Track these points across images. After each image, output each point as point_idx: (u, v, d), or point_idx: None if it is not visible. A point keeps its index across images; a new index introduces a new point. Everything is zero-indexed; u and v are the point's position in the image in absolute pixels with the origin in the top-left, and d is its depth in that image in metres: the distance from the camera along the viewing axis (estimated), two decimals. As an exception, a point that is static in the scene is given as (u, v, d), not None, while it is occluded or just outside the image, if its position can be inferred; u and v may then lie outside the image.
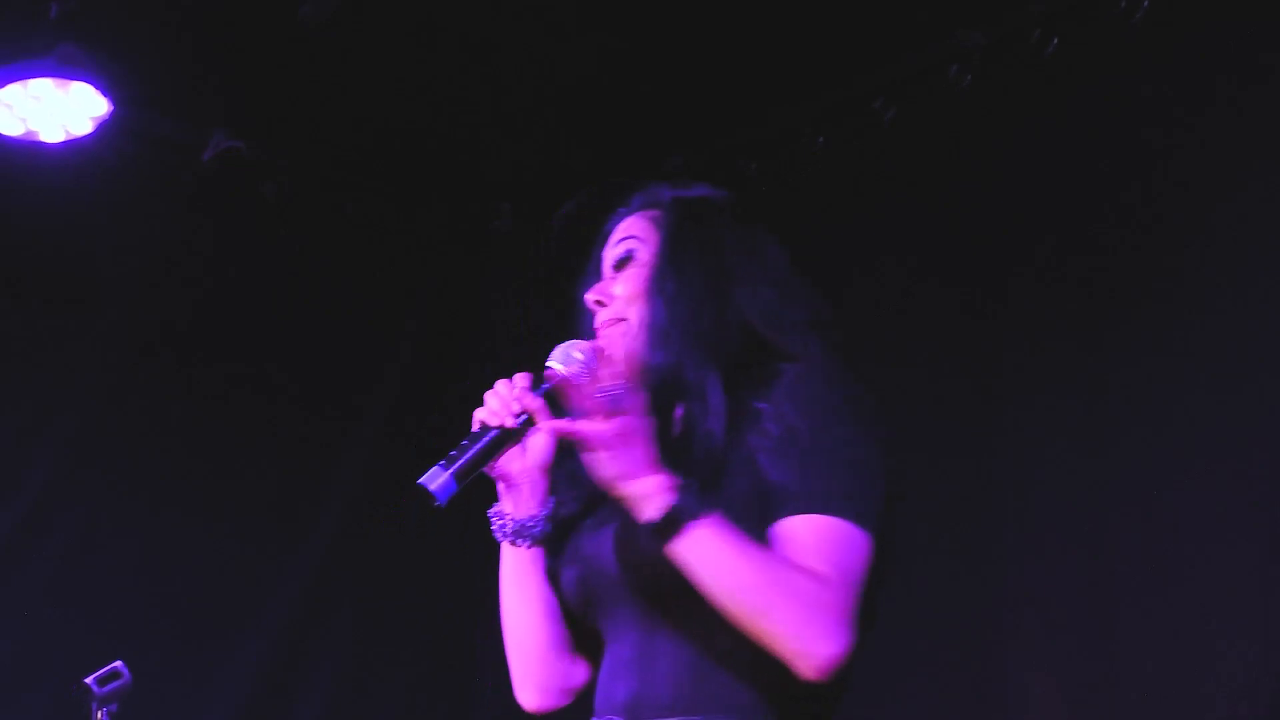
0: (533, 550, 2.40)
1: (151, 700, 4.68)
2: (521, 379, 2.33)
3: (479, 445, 2.29)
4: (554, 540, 2.40)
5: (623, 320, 2.40)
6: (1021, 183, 4.46)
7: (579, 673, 2.44)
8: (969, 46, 4.49)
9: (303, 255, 5.47)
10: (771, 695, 2.18)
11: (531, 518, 2.39)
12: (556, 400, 2.31)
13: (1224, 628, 3.93)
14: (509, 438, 2.31)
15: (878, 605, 2.22)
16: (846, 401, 2.25)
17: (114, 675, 3.58)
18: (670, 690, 2.21)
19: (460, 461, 2.27)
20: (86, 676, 3.59)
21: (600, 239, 2.53)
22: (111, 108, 4.59)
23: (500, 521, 2.40)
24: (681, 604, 2.17)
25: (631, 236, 2.45)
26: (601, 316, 2.43)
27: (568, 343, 2.37)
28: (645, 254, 2.42)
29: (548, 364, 2.34)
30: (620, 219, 2.52)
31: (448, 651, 5.58)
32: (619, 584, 2.27)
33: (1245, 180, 4.05)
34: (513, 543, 2.40)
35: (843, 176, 4.85)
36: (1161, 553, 4.09)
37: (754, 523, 2.17)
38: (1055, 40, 4.35)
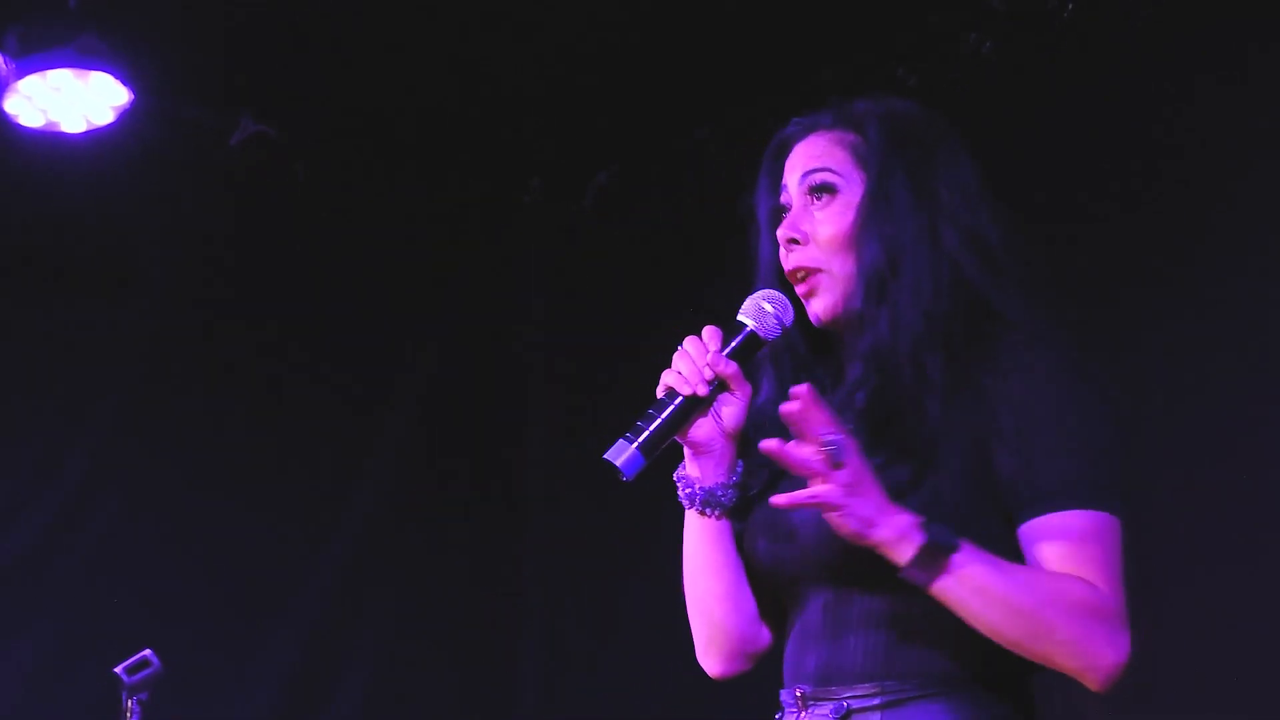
0: (720, 518, 2.27)
1: (191, 684, 4.75)
2: (711, 336, 2.20)
3: (666, 415, 2.17)
4: (742, 507, 2.27)
5: (822, 270, 2.22)
6: (1044, 148, 4.43)
7: (762, 639, 2.32)
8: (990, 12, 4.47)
9: (334, 237, 5.47)
10: (965, 665, 2.09)
11: (720, 485, 2.24)
12: (747, 358, 2.20)
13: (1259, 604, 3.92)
14: (698, 405, 2.19)
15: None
16: (1074, 374, 2.12)
17: (144, 664, 3.58)
18: (861, 659, 2.11)
19: (647, 433, 2.16)
20: (116, 665, 3.60)
21: (774, 149, 2.31)
22: (133, 97, 4.59)
23: (689, 489, 2.25)
24: (872, 574, 2.06)
25: (827, 167, 2.23)
26: (796, 258, 2.22)
27: (758, 293, 2.23)
28: (850, 191, 2.22)
29: (739, 318, 2.22)
30: (806, 130, 2.29)
31: (489, 633, 5.58)
32: (810, 555, 2.16)
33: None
34: (701, 512, 2.25)
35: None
36: (1202, 514, 4.07)
37: (981, 512, 2.08)
38: (1070, 5, 4.32)
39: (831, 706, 2.12)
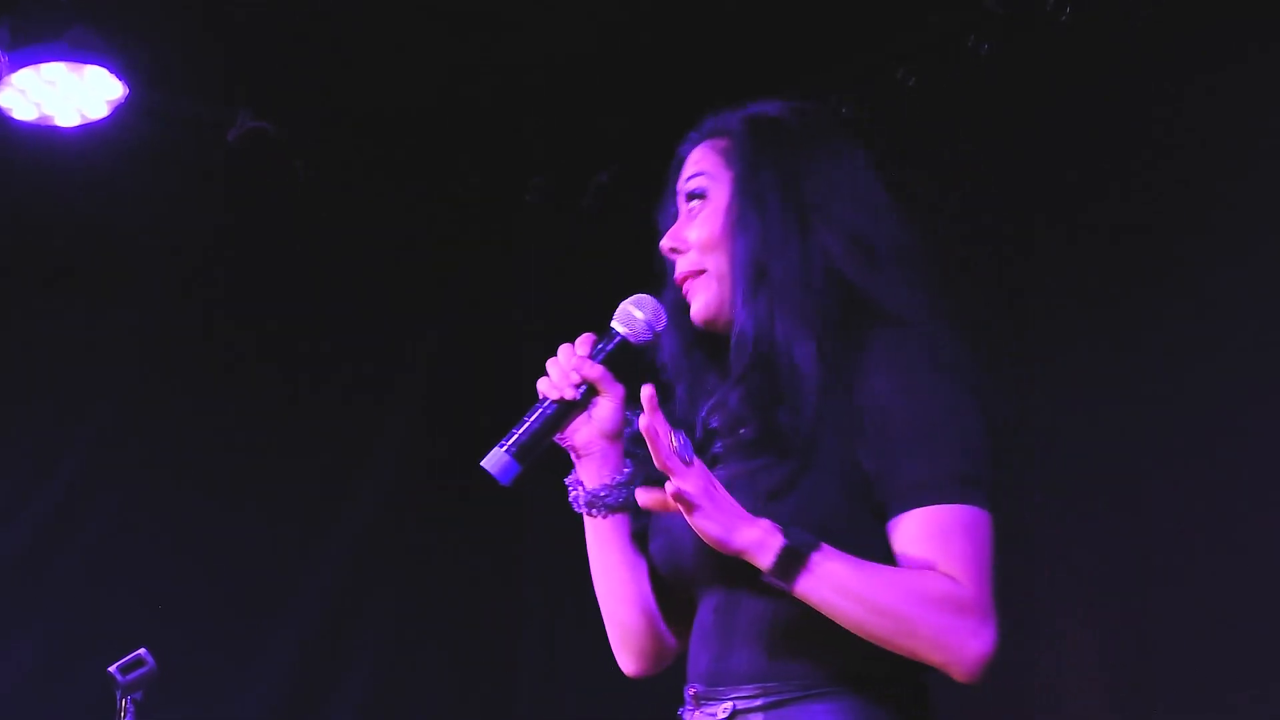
0: (612, 519, 2.31)
1: (190, 684, 4.74)
2: (584, 343, 2.26)
3: (537, 420, 2.23)
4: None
5: (701, 272, 2.25)
6: (1046, 143, 4.44)
7: (670, 640, 2.36)
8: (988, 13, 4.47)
9: (333, 235, 5.45)
10: (850, 664, 2.10)
11: (604, 487, 2.29)
12: (618, 364, 2.24)
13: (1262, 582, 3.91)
14: (571, 409, 2.24)
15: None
16: (944, 368, 2.11)
17: (138, 663, 3.56)
18: (746, 660, 2.14)
19: (517, 438, 2.22)
20: (111, 665, 3.58)
21: (674, 166, 2.36)
22: (127, 91, 4.57)
23: (574, 492, 2.31)
24: (758, 576, 2.07)
25: (701, 173, 2.28)
26: (680, 266, 2.27)
27: (630, 299, 2.28)
28: (718, 193, 2.26)
29: (611, 324, 2.26)
30: (693, 144, 2.34)
31: (489, 634, 5.58)
32: (699, 557, 2.17)
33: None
34: (587, 513, 2.31)
35: (865, 146, 4.81)
36: (1199, 507, 4.06)
37: (855, 511, 2.09)
38: (1069, 8, 4.32)
39: (720, 706, 2.15)
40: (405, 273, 5.57)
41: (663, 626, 2.36)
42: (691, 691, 2.20)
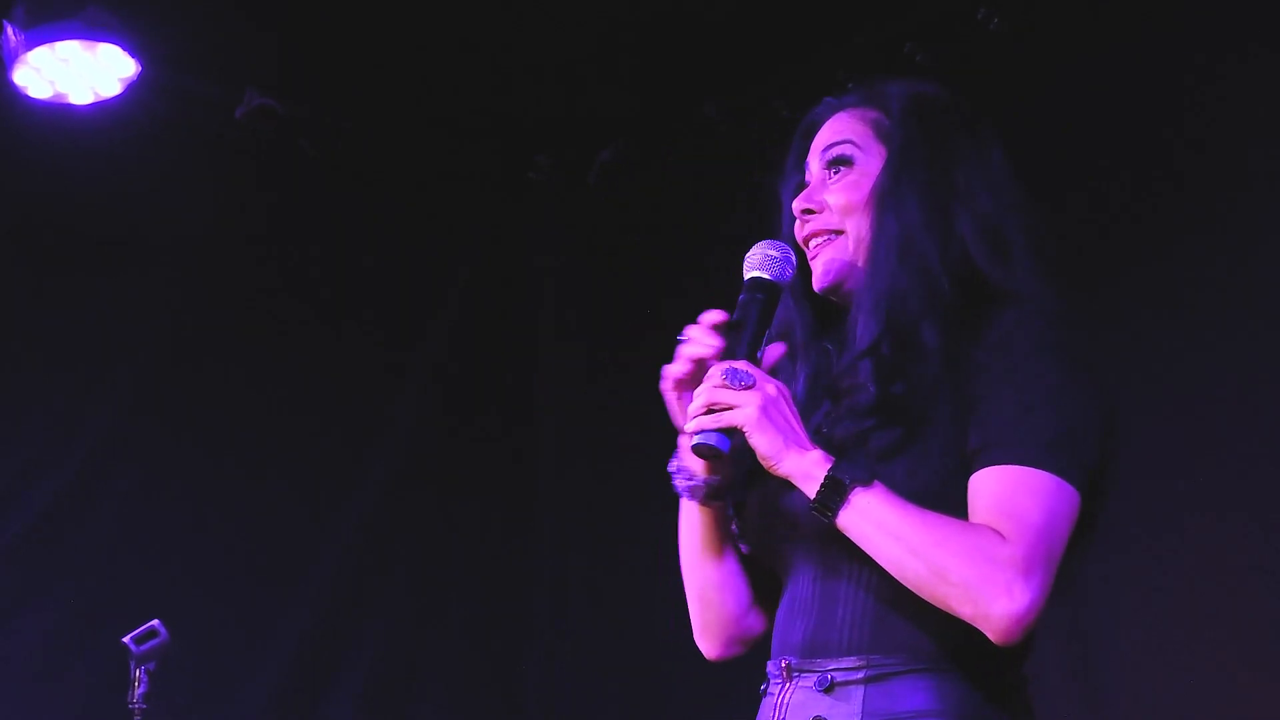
0: (713, 505, 2.28)
1: (205, 653, 4.78)
2: (709, 317, 2.19)
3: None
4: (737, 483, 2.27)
5: (838, 233, 2.25)
6: (1055, 121, 4.43)
7: (757, 624, 2.35)
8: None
9: (343, 212, 5.47)
10: (952, 644, 2.08)
11: (718, 475, 2.24)
12: (769, 311, 2.19)
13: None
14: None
15: (1078, 570, 2.10)
16: (1062, 347, 2.10)
17: (151, 634, 3.60)
18: (846, 632, 2.12)
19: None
20: (125, 636, 3.61)
21: (803, 129, 2.35)
22: (140, 69, 4.59)
23: (692, 481, 2.26)
24: (859, 549, 2.08)
25: (847, 140, 2.27)
26: (811, 225, 2.27)
27: (757, 245, 2.22)
28: (867, 162, 2.25)
29: (750, 273, 2.19)
30: (831, 110, 2.33)
31: (502, 603, 5.60)
32: (799, 528, 2.17)
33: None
34: (703, 503, 2.27)
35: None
36: (1209, 494, 4.07)
37: (957, 480, 2.07)
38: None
39: (816, 678, 2.12)
40: (418, 248, 5.59)
41: (752, 611, 2.34)
42: (783, 664, 2.17)
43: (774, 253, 2.20)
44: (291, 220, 5.39)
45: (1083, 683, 4.17)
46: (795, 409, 2.10)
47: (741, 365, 2.08)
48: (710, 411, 2.09)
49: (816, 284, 2.27)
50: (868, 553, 2.05)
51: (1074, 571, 2.09)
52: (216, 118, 5.11)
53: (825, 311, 2.31)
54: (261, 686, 5.16)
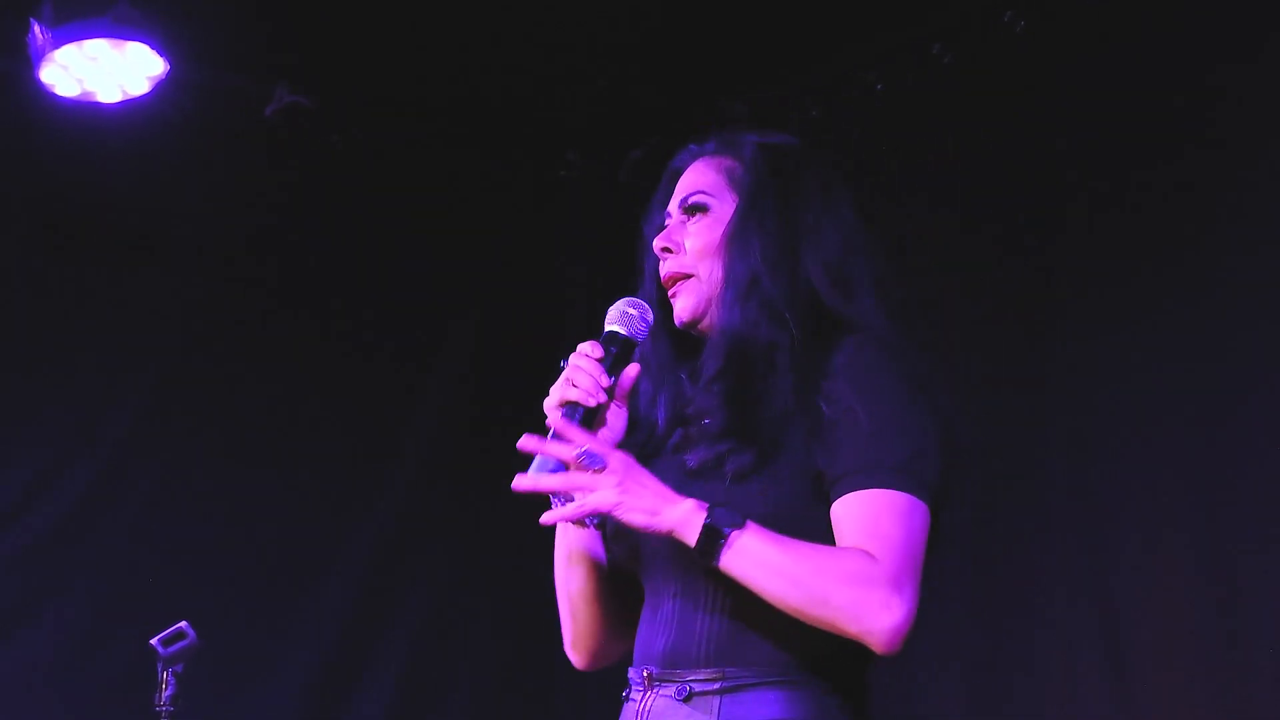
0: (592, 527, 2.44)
1: (232, 650, 4.78)
2: (593, 348, 2.34)
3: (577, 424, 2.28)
4: None
5: (691, 276, 2.42)
6: (1071, 125, 4.43)
7: (625, 636, 2.47)
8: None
9: (373, 208, 5.48)
10: (804, 657, 2.22)
11: None
12: (625, 362, 2.35)
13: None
14: (596, 414, 2.32)
15: (935, 574, 2.23)
16: (900, 372, 2.25)
17: (179, 635, 3.61)
18: (704, 646, 2.25)
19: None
20: (152, 637, 3.62)
21: (669, 174, 2.53)
22: (168, 67, 4.60)
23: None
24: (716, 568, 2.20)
25: (702, 191, 2.45)
26: (669, 266, 2.44)
27: (622, 301, 2.39)
28: (721, 209, 2.43)
29: (609, 327, 2.35)
30: (693, 158, 2.51)
31: (532, 604, 5.58)
32: (660, 548, 2.30)
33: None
34: (583, 524, 2.43)
35: (900, 121, 4.83)
36: (1215, 491, 4.07)
37: (809, 498, 2.22)
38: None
39: (675, 687, 2.27)
40: (447, 244, 5.59)
41: (620, 625, 2.47)
42: (645, 672, 2.31)
43: (632, 311, 2.37)
44: (318, 219, 5.40)
45: (1113, 683, 4.18)
46: (645, 470, 2.22)
47: (593, 446, 2.20)
48: (573, 497, 2.24)
49: (676, 320, 2.43)
50: (750, 588, 2.18)
51: (932, 575, 2.22)
52: (245, 116, 5.11)
53: (687, 343, 2.46)
54: (286, 689, 5.18)
